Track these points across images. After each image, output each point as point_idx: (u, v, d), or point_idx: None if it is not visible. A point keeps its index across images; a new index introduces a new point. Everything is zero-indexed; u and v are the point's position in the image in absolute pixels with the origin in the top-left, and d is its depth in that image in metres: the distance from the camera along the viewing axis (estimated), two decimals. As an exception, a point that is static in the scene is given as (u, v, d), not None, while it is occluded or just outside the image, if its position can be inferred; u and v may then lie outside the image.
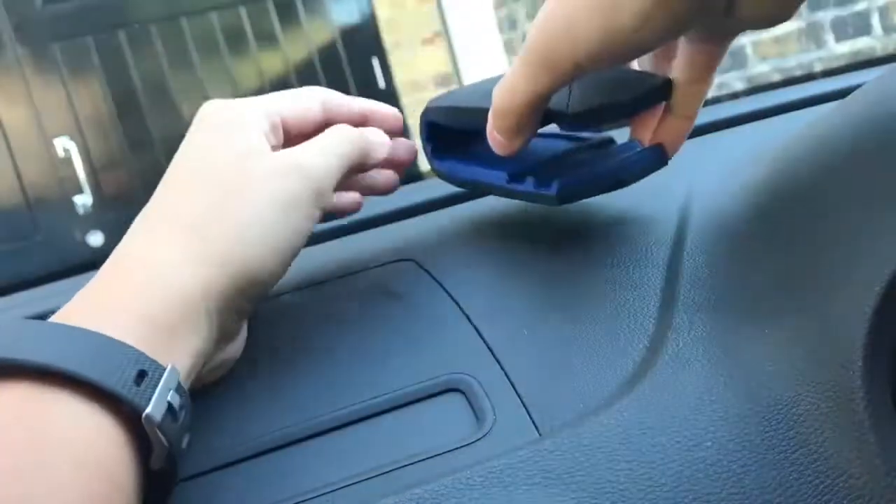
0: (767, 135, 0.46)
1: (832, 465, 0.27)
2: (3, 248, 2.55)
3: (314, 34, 2.91)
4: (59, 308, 0.30)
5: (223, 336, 0.32)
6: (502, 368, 0.32)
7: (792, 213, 0.33)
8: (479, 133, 0.36)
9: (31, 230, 2.61)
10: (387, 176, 0.41)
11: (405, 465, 0.29)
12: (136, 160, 2.69)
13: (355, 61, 2.93)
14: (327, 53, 2.91)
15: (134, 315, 0.29)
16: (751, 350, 0.30)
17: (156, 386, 0.27)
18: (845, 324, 0.28)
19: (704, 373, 0.30)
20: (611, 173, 0.36)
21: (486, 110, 0.35)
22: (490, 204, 0.44)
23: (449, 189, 0.45)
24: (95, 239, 2.63)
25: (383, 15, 2.97)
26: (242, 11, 2.82)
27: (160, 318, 0.29)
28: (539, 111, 0.33)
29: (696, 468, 0.27)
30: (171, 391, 0.27)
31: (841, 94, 0.46)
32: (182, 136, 0.35)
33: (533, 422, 0.30)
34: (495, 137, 0.35)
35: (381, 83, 2.95)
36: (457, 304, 0.35)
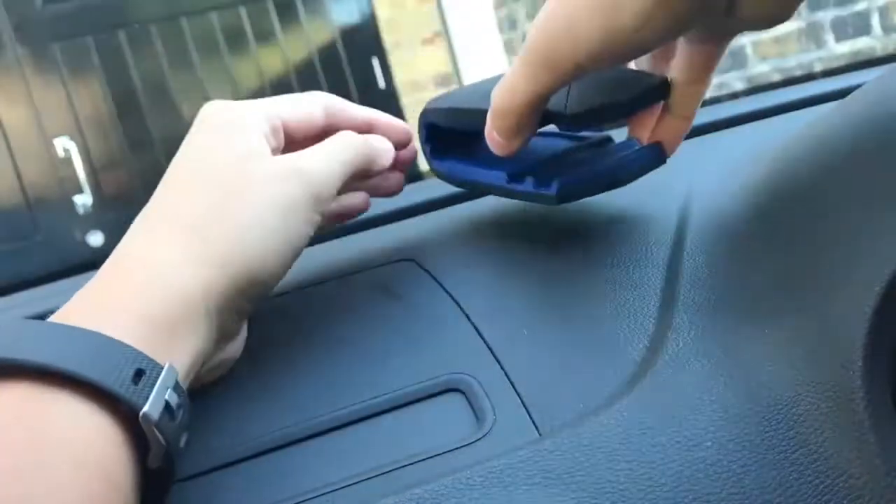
0: (767, 135, 0.46)
1: (832, 465, 0.27)
2: (3, 248, 2.55)
3: (314, 34, 2.91)
4: (58, 308, 0.30)
5: (223, 336, 0.32)
6: (502, 368, 0.32)
7: (792, 213, 0.33)
8: (478, 133, 0.36)
9: (31, 230, 2.61)
10: (393, 178, 0.41)
11: (405, 465, 0.29)
12: (136, 160, 2.69)
13: (355, 61, 2.93)
14: (327, 53, 2.91)
15: (133, 315, 0.29)
16: (751, 350, 0.30)
17: (153, 385, 0.27)
18: (845, 324, 0.28)
19: (704, 373, 0.30)
20: (609, 172, 0.36)
21: (485, 111, 0.35)
22: (490, 204, 0.44)
23: (449, 189, 0.45)
24: (95, 239, 2.63)
25: (383, 15, 2.97)
26: (242, 11, 2.82)
27: (159, 318, 0.29)
28: (538, 112, 0.33)
29: (696, 468, 0.27)
30: (169, 390, 0.27)
31: (841, 94, 0.46)
32: (182, 136, 0.35)
33: (533, 422, 0.30)
34: (494, 138, 0.35)
35: (381, 83, 2.95)
36: (457, 304, 0.35)
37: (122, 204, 2.66)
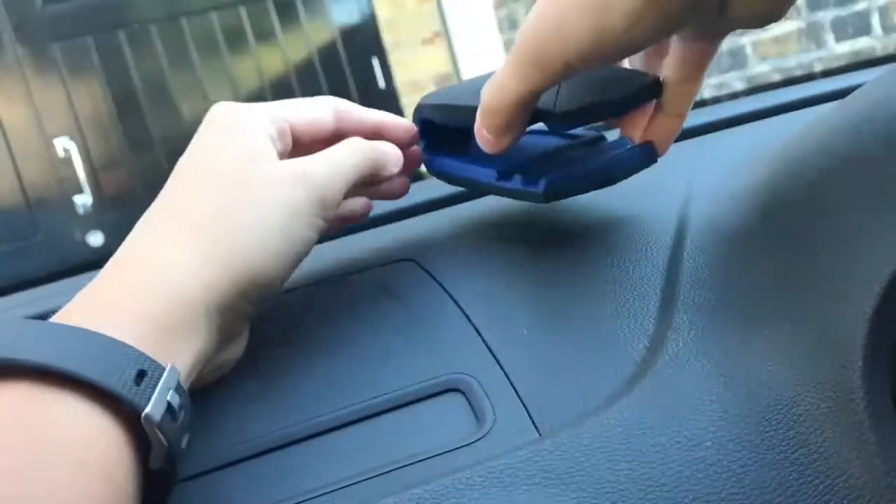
0: (767, 135, 0.46)
1: (832, 465, 0.27)
2: (3, 248, 2.55)
3: (314, 34, 2.91)
4: (59, 308, 0.30)
5: (224, 337, 0.32)
6: (502, 368, 0.32)
7: (792, 213, 0.33)
8: (471, 131, 0.36)
9: (31, 230, 2.61)
10: (399, 182, 0.41)
11: (405, 465, 0.29)
12: (136, 160, 2.69)
13: (355, 61, 2.93)
14: (327, 53, 2.91)
15: (135, 315, 0.29)
16: (751, 350, 0.30)
17: (155, 386, 0.27)
18: (845, 324, 0.28)
19: (704, 373, 0.30)
20: (599, 171, 0.36)
21: (477, 108, 0.35)
22: (490, 204, 0.44)
23: (449, 189, 0.45)
24: (95, 239, 2.63)
25: (383, 15, 2.97)
26: (242, 11, 2.82)
27: (161, 319, 0.29)
28: (528, 110, 0.33)
29: (696, 468, 0.27)
30: (171, 391, 0.27)
31: (841, 94, 0.46)
32: (182, 136, 0.35)
33: (533, 422, 0.30)
34: (483, 135, 0.35)
35: (381, 83, 2.95)
36: (457, 304, 0.35)
37: (122, 204, 2.67)
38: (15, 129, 2.59)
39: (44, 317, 0.29)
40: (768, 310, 0.31)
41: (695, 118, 0.55)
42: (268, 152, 0.34)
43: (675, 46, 0.34)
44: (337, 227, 0.40)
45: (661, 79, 0.35)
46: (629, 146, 0.36)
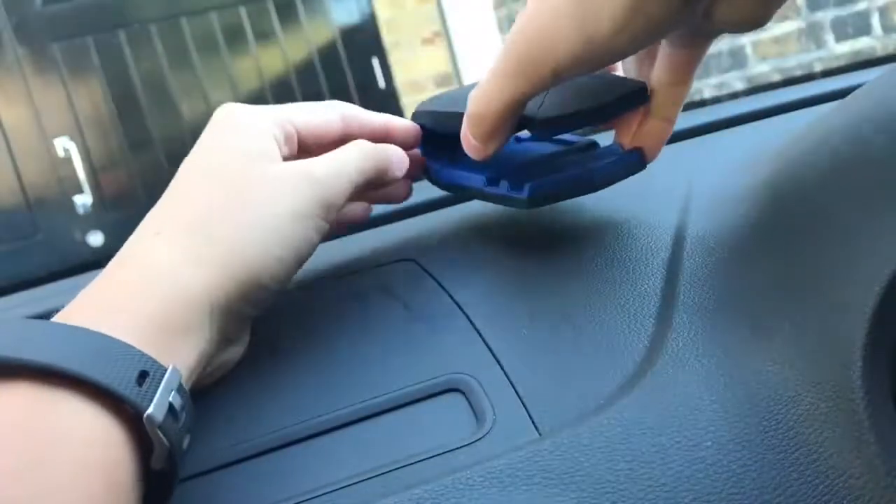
0: (767, 135, 0.46)
1: (832, 465, 0.27)
2: (3, 248, 2.55)
3: (314, 34, 2.91)
4: (59, 308, 0.30)
5: (225, 338, 0.32)
6: (502, 368, 0.32)
7: (792, 213, 0.33)
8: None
9: (31, 230, 2.61)
10: (402, 186, 0.41)
11: (405, 465, 0.29)
12: (136, 160, 2.69)
13: (355, 61, 2.93)
14: (327, 53, 2.91)
15: (136, 315, 0.29)
16: (751, 350, 0.30)
17: (157, 386, 0.27)
18: (845, 324, 0.28)
19: (704, 373, 0.30)
20: (584, 177, 0.37)
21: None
22: (490, 204, 0.44)
23: (449, 189, 0.45)
24: (95, 239, 2.63)
25: (383, 15, 2.97)
26: (242, 11, 2.82)
27: (161, 319, 0.29)
28: (515, 117, 0.33)
29: (696, 468, 0.27)
30: (173, 392, 0.27)
31: (841, 94, 0.46)
32: (182, 136, 0.35)
33: (533, 422, 0.30)
34: (469, 142, 0.35)
35: (381, 83, 2.95)
36: (457, 304, 0.35)
37: (122, 204, 2.67)
38: (15, 129, 2.59)
39: (44, 317, 0.29)
40: (768, 310, 0.31)
41: (695, 118, 0.55)
42: (271, 153, 0.34)
43: (663, 51, 0.34)
44: (336, 229, 0.40)
45: (648, 84, 0.35)
46: (619, 153, 0.37)
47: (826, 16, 2.18)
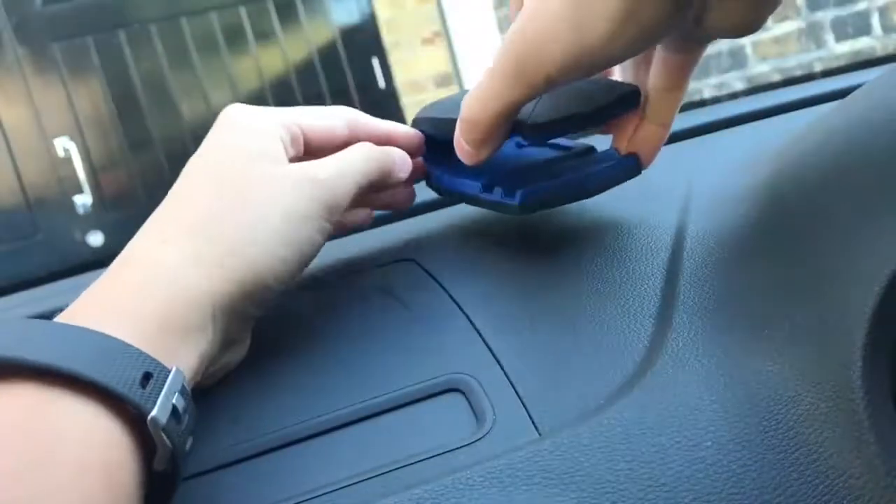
0: (767, 135, 0.46)
1: (832, 465, 0.27)
2: (3, 248, 2.55)
3: (314, 34, 2.91)
4: (59, 308, 0.30)
5: (228, 339, 0.32)
6: (502, 368, 0.32)
7: (792, 213, 0.33)
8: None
9: (31, 230, 2.61)
10: (406, 192, 0.41)
11: (405, 465, 0.29)
12: (136, 160, 2.69)
13: (355, 61, 2.93)
14: (327, 53, 2.91)
15: (138, 316, 0.29)
16: (751, 350, 0.30)
17: (161, 388, 0.27)
18: (845, 324, 0.28)
19: (704, 372, 0.30)
20: (576, 184, 0.37)
21: None
22: (490, 204, 0.44)
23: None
24: (95, 239, 2.63)
25: (383, 15, 2.97)
26: (242, 11, 2.82)
27: (163, 320, 0.29)
28: (508, 122, 0.34)
29: (696, 468, 0.27)
30: (176, 394, 0.27)
31: (841, 94, 0.46)
32: (182, 136, 0.35)
33: (533, 422, 0.30)
34: (463, 147, 0.35)
35: (381, 83, 2.95)
36: (457, 304, 0.35)
37: (122, 204, 2.66)
38: (15, 129, 2.59)
39: (45, 317, 0.29)
40: (768, 310, 0.31)
41: (695, 118, 0.55)
42: (274, 153, 0.34)
43: (658, 55, 0.35)
44: (338, 233, 0.40)
45: (643, 89, 0.35)
46: (615, 158, 0.37)
47: (826, 16, 2.18)
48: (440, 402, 0.31)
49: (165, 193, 0.34)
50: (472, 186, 0.38)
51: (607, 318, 0.33)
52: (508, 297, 0.36)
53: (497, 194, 0.37)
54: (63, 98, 2.64)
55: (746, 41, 2.30)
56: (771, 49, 2.28)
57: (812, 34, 2.21)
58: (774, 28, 2.23)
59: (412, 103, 2.90)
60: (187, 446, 0.28)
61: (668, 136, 0.37)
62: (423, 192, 0.43)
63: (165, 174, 2.63)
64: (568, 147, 0.41)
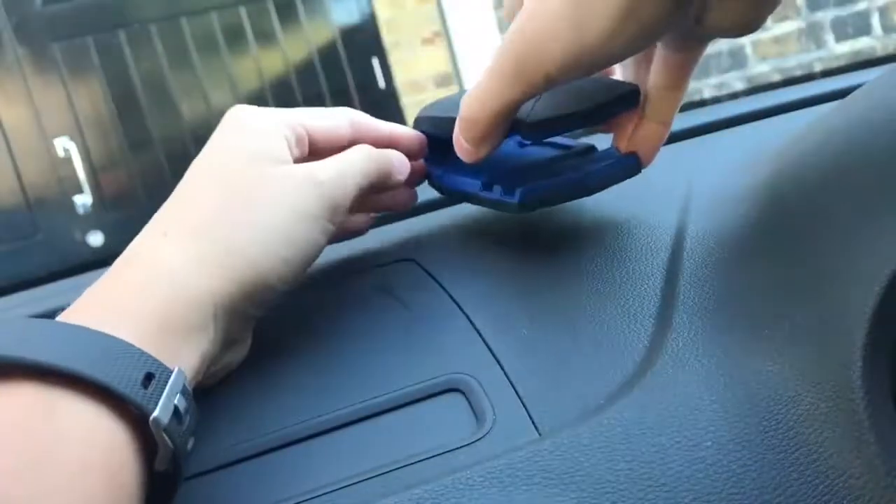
0: (767, 135, 0.46)
1: (832, 465, 0.27)
2: (3, 248, 2.55)
3: (314, 34, 2.91)
4: (59, 308, 0.30)
5: (229, 340, 0.32)
6: (502, 368, 0.32)
7: (792, 213, 0.33)
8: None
9: (31, 230, 2.61)
10: (406, 193, 0.41)
11: (405, 465, 0.29)
12: (136, 160, 2.69)
13: (355, 61, 2.93)
14: (327, 53, 2.91)
15: (139, 316, 0.29)
16: (751, 350, 0.30)
17: (163, 389, 0.27)
18: (845, 324, 0.28)
19: (704, 372, 0.30)
20: (576, 182, 0.37)
21: None
22: (490, 204, 0.44)
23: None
24: (95, 239, 2.63)
25: (383, 15, 2.97)
26: (242, 11, 2.82)
27: (164, 320, 0.29)
28: (507, 121, 0.34)
29: (696, 468, 0.27)
30: (178, 395, 0.27)
31: (841, 94, 0.46)
32: (182, 136, 0.35)
33: (533, 422, 0.30)
34: (462, 145, 0.35)
35: (381, 83, 2.95)
36: (457, 304, 0.35)
37: (122, 204, 2.66)
38: (15, 129, 2.59)
39: (46, 317, 0.29)
40: (768, 310, 0.31)
41: (695, 118, 0.55)
42: (278, 154, 0.34)
43: (658, 54, 0.35)
44: (338, 237, 0.40)
45: (643, 87, 0.36)
46: (615, 156, 0.37)
47: (826, 16, 2.18)
48: (440, 402, 0.31)
49: (165, 193, 0.34)
50: (472, 185, 0.38)
51: (607, 318, 0.33)
52: (508, 297, 0.36)
53: (497, 192, 0.37)
54: (63, 98, 2.64)
55: (746, 41, 2.30)
56: (771, 49, 2.28)
57: (812, 34, 2.21)
58: (774, 28, 2.23)
59: (412, 103, 2.90)
60: (189, 447, 0.28)
61: (667, 135, 0.37)
62: (424, 192, 0.43)
63: (165, 174, 2.63)
64: (568, 146, 0.41)
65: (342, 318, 0.36)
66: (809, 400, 0.28)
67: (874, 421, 0.26)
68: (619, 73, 0.38)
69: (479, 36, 2.97)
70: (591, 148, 0.40)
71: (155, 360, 0.27)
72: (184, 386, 0.28)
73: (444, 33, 3.02)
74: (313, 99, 2.81)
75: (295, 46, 2.88)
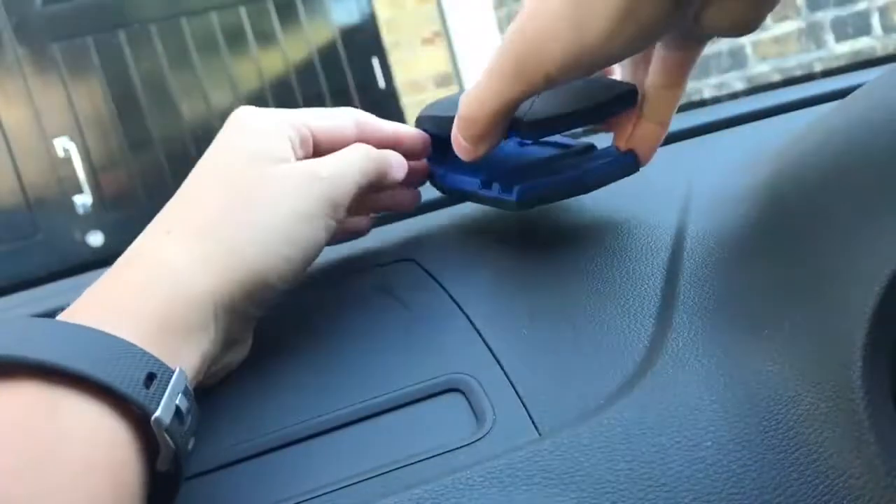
0: (767, 135, 0.46)
1: (832, 465, 0.27)
2: (3, 248, 2.55)
3: (314, 34, 2.91)
4: (59, 308, 0.30)
5: (229, 340, 0.32)
6: (502, 368, 0.32)
7: (792, 213, 0.33)
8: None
9: (31, 230, 2.61)
10: (410, 194, 0.41)
11: (405, 465, 0.29)
12: (136, 160, 2.69)
13: (355, 61, 2.93)
14: (327, 53, 2.91)
15: (140, 316, 0.29)
16: (751, 350, 0.30)
17: (165, 389, 0.27)
18: (845, 324, 0.28)
19: (704, 372, 0.30)
20: (573, 180, 0.37)
21: None
22: (490, 204, 0.44)
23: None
24: (95, 239, 2.63)
25: (383, 15, 2.97)
26: (242, 11, 2.82)
27: (165, 320, 0.29)
28: (506, 119, 0.34)
29: (696, 468, 0.27)
30: (180, 395, 0.27)
31: (841, 94, 0.46)
32: (182, 136, 0.35)
33: (533, 422, 0.30)
34: (460, 143, 0.35)
35: (381, 83, 2.95)
36: (457, 304, 0.35)
37: (122, 204, 2.67)
38: (15, 129, 2.59)
39: (46, 317, 0.29)
40: (768, 310, 0.31)
41: (695, 118, 0.55)
42: (278, 153, 0.34)
43: (657, 54, 0.35)
44: (338, 238, 0.40)
45: (642, 87, 0.36)
46: (613, 155, 0.37)
47: (826, 16, 2.18)
48: (440, 402, 0.31)
49: (165, 193, 0.34)
50: (472, 183, 0.39)
51: (607, 318, 0.33)
52: (508, 297, 0.36)
53: (495, 190, 0.37)
54: (63, 98, 2.64)
55: (746, 41, 2.30)
56: (771, 49, 2.28)
57: (812, 34, 2.20)
58: (774, 28, 2.23)
59: (412, 103, 2.90)
60: (190, 447, 0.28)
61: (666, 134, 0.37)
62: (424, 192, 0.43)
63: (165, 174, 2.63)
64: (568, 145, 0.41)
65: (342, 318, 0.36)
66: (809, 400, 0.28)
67: (874, 421, 0.26)
68: (618, 72, 0.38)
69: (479, 36, 2.97)
70: (591, 147, 0.40)
71: (157, 360, 0.27)
72: (185, 386, 0.28)
73: (444, 33, 3.02)
74: (313, 99, 2.82)
75: (295, 46, 2.88)
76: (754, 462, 0.27)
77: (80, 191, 2.64)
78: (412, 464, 0.29)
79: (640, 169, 0.37)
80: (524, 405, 0.30)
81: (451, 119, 0.36)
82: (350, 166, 0.35)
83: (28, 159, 2.60)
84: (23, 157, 2.60)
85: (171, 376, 0.27)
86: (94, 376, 0.26)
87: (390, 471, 0.29)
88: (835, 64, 2.18)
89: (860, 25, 2.14)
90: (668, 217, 0.38)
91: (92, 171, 2.66)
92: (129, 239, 0.33)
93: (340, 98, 2.82)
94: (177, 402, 0.27)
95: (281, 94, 2.81)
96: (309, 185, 0.33)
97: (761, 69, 2.31)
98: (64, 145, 2.62)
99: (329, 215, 0.34)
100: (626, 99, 0.36)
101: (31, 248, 2.59)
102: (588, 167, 0.37)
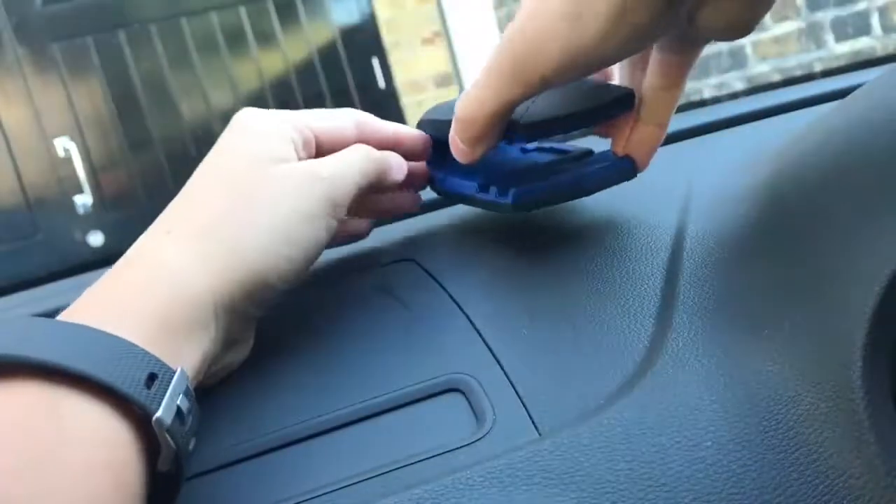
0: (767, 135, 0.46)
1: (832, 465, 0.27)
2: (3, 248, 2.55)
3: (314, 34, 2.91)
4: (59, 308, 0.30)
5: (230, 340, 0.32)
6: (502, 368, 0.32)
7: (792, 213, 0.33)
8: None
9: (31, 230, 2.61)
10: (410, 197, 0.42)
11: (405, 465, 0.29)
12: (136, 160, 2.69)
13: (355, 61, 2.93)
14: (327, 53, 2.91)
15: (142, 316, 0.29)
16: (751, 350, 0.30)
17: (166, 389, 0.27)
18: (845, 324, 0.28)
19: (704, 372, 0.30)
20: (569, 184, 0.37)
21: None
22: (490, 204, 0.44)
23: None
24: (95, 239, 2.63)
25: (383, 15, 2.97)
26: (242, 11, 2.82)
27: (166, 320, 0.29)
28: (503, 122, 0.34)
29: (696, 468, 0.27)
30: (181, 395, 0.27)
31: (841, 94, 0.46)
32: (182, 136, 0.35)
33: (533, 422, 0.30)
34: (457, 145, 0.35)
35: (381, 83, 2.95)
36: (457, 304, 0.35)
37: (122, 204, 2.67)
38: (15, 129, 2.59)
39: (46, 317, 0.29)
40: (768, 310, 0.31)
41: (695, 118, 0.55)
42: (280, 154, 0.34)
43: (654, 56, 0.35)
44: (338, 240, 0.40)
45: (636, 89, 0.36)
46: (611, 159, 0.37)
47: (826, 16, 2.18)
48: (440, 402, 0.31)
49: (165, 193, 0.34)
50: (469, 186, 0.39)
51: (607, 318, 0.33)
52: (508, 297, 0.36)
53: (492, 194, 0.37)
54: (63, 98, 2.64)
55: (746, 41, 2.30)
56: (771, 49, 2.28)
57: (812, 34, 2.21)
58: (774, 28, 2.23)
59: (412, 103, 2.90)
60: (190, 447, 0.28)
61: (664, 137, 0.37)
62: (424, 193, 0.43)
63: (165, 174, 2.63)
64: (566, 150, 0.41)
65: (342, 318, 0.36)
66: (809, 400, 0.28)
67: (874, 421, 0.26)
68: (616, 75, 0.38)
69: (479, 36, 2.97)
70: (589, 152, 0.40)
71: (158, 360, 0.27)
72: (186, 386, 0.28)
73: (444, 33, 3.02)
74: (313, 99, 2.82)
75: (295, 47, 2.88)
76: (754, 462, 0.27)
77: (80, 191, 2.64)
78: (412, 464, 0.29)
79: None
80: (524, 405, 0.30)
81: (450, 123, 0.36)
82: (350, 167, 0.35)
83: (28, 159, 2.60)
84: (23, 157, 2.60)
85: (173, 377, 0.27)
86: (95, 376, 0.26)
87: (390, 471, 0.29)
88: (835, 64, 2.18)
89: (860, 25, 2.14)
90: (668, 217, 0.38)
91: (92, 171, 2.66)
92: (130, 239, 0.33)
93: (340, 98, 2.82)
94: (178, 402, 0.27)
95: (281, 94, 2.81)
96: (310, 185, 0.33)
97: (761, 69, 2.31)
98: (64, 145, 2.62)
99: (330, 215, 0.34)
100: (623, 102, 0.36)
101: (32, 248, 2.59)
102: (585, 172, 0.37)
